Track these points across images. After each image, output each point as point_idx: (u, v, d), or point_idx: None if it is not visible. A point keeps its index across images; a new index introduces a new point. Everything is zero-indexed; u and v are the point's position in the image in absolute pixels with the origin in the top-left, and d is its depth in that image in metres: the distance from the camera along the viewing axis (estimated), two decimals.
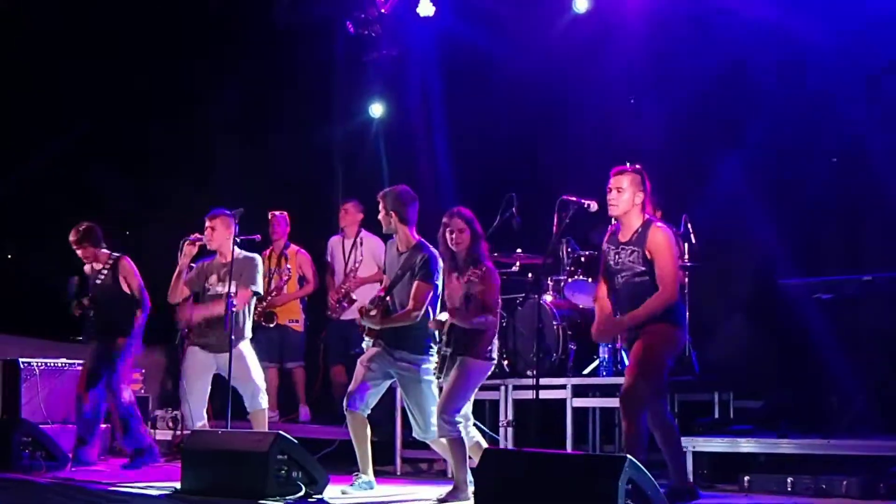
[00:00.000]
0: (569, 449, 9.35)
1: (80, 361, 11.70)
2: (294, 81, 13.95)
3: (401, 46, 13.75)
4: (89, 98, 14.01)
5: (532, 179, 11.46)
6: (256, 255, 9.74)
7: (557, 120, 12.25)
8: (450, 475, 8.39)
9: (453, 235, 8.02)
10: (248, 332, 9.64)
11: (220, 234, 9.59)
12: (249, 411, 9.51)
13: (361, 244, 11.87)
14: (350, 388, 8.38)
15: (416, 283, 8.17)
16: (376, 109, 14.18)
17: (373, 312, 8.25)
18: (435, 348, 8.14)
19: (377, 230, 11.83)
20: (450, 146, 12.98)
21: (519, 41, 12.42)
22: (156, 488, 8.29)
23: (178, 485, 8.16)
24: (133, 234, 14.63)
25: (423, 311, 8.15)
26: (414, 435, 8.46)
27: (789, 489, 8.08)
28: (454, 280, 8.06)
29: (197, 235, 9.60)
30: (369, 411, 8.39)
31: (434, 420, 8.07)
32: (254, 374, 9.51)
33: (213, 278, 9.66)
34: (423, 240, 8.40)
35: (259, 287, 9.69)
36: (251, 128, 14.07)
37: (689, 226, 10.13)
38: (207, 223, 9.62)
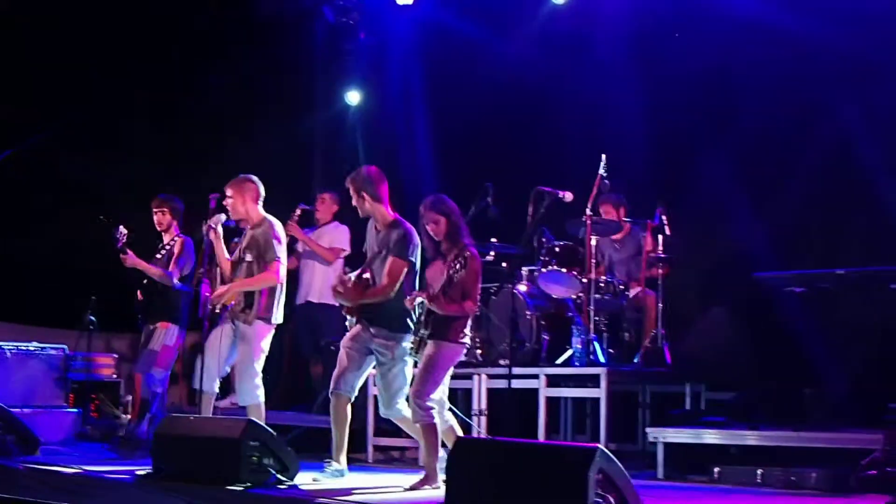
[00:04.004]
0: (541, 438, 9.37)
1: (53, 345, 11.71)
2: (273, 70, 13.92)
3: (379, 35, 13.76)
4: (71, 88, 13.94)
5: (508, 169, 11.47)
6: (274, 220, 9.24)
7: (536, 110, 12.26)
8: (421, 463, 8.39)
9: (429, 227, 8.05)
10: (276, 316, 9.13)
11: (237, 204, 9.18)
12: (242, 404, 9.11)
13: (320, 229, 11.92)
14: (335, 372, 8.36)
15: (390, 259, 8.17)
16: (353, 97, 14.16)
17: (340, 289, 8.29)
18: (413, 328, 8.13)
19: (351, 221, 11.88)
20: (427, 135, 12.99)
21: (499, 30, 12.43)
22: (128, 473, 8.27)
23: (149, 469, 8.14)
24: (110, 220, 14.60)
25: (396, 287, 8.13)
26: (380, 412, 8.47)
27: (759, 481, 8.12)
28: (439, 265, 8.07)
29: (212, 223, 9.23)
30: (356, 394, 8.40)
31: (399, 400, 8.16)
32: (255, 364, 9.04)
33: (239, 248, 9.25)
34: (399, 216, 8.39)
35: (278, 253, 9.07)
36: (230, 115, 14.02)
37: (664, 218, 10.17)
38: (227, 192, 9.23)
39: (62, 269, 13.58)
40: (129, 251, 10.23)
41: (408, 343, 8.18)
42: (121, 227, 10.31)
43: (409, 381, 8.19)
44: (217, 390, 9.21)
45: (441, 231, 8.02)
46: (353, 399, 8.40)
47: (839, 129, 10.31)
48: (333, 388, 8.32)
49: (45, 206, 14.02)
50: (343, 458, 8.40)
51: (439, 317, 7.89)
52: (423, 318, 7.96)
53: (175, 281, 10.26)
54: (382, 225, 8.39)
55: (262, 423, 8.43)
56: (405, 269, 8.17)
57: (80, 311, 11.58)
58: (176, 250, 10.32)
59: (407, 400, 8.17)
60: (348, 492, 7.64)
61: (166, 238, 10.43)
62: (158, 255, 10.40)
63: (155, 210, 10.43)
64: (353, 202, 8.43)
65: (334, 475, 8.28)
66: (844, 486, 7.67)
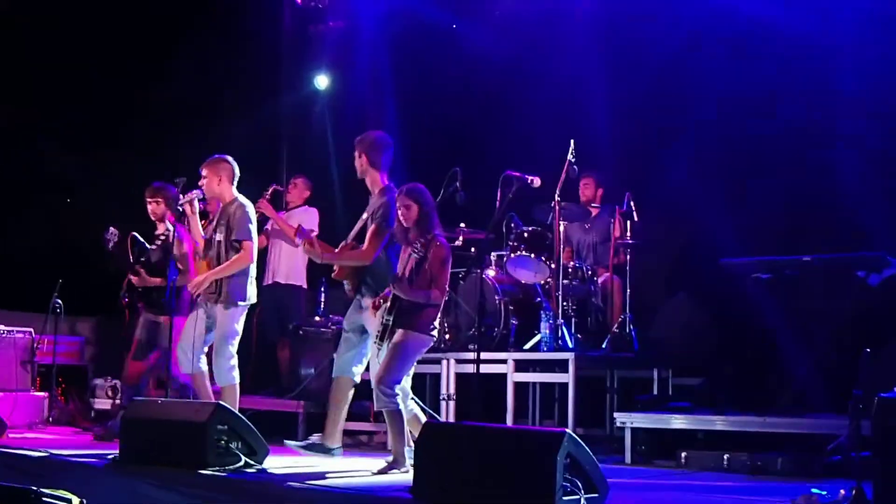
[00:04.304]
0: (509, 423, 9.39)
1: (20, 329, 11.65)
2: (240, 53, 13.86)
3: (348, 18, 13.72)
4: (38, 70, 13.86)
5: (477, 154, 11.47)
6: (245, 201, 9.25)
7: (505, 95, 12.27)
8: (388, 447, 8.42)
9: (400, 211, 8.06)
10: (249, 296, 9.15)
11: (212, 182, 9.16)
12: (219, 385, 9.08)
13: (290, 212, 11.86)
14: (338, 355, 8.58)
15: (372, 226, 8.33)
16: (321, 81, 14.12)
17: (307, 246, 8.45)
18: (379, 314, 8.15)
19: (322, 207, 11.87)
20: (396, 120, 12.96)
21: (469, 15, 12.43)
22: (95, 456, 8.26)
23: (117, 453, 8.12)
24: (75, 203, 14.55)
25: (374, 253, 8.29)
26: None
27: (725, 466, 8.17)
28: (406, 252, 8.10)
29: (189, 196, 9.18)
30: (356, 375, 8.52)
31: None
32: (229, 345, 9.05)
33: (211, 227, 9.27)
34: (390, 185, 8.53)
35: (249, 234, 9.10)
36: (196, 100, 13.96)
37: (633, 204, 10.21)
38: (202, 171, 9.20)
39: (28, 253, 13.54)
40: (141, 271, 10.10)
41: None
42: (111, 229, 10.23)
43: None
44: (204, 368, 9.16)
45: (412, 217, 8.01)
46: (354, 380, 8.51)
47: (805, 118, 10.36)
48: (336, 372, 8.50)
49: (13, 191, 13.95)
50: (334, 438, 8.49)
51: (406, 304, 7.90)
52: (389, 304, 7.97)
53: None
54: (373, 191, 8.58)
55: (235, 406, 8.51)
56: (386, 236, 8.30)
57: (46, 295, 11.51)
58: (175, 240, 9.85)
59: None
60: (316, 475, 7.65)
61: (161, 228, 10.28)
62: (153, 247, 10.30)
63: (149, 199, 10.20)
64: (356, 163, 8.62)
65: (315, 449, 8.39)
66: (809, 471, 7.74)
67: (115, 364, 11.42)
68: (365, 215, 8.54)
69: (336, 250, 8.51)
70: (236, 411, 8.34)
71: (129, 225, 10.52)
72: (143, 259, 10.23)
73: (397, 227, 8.16)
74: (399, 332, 7.90)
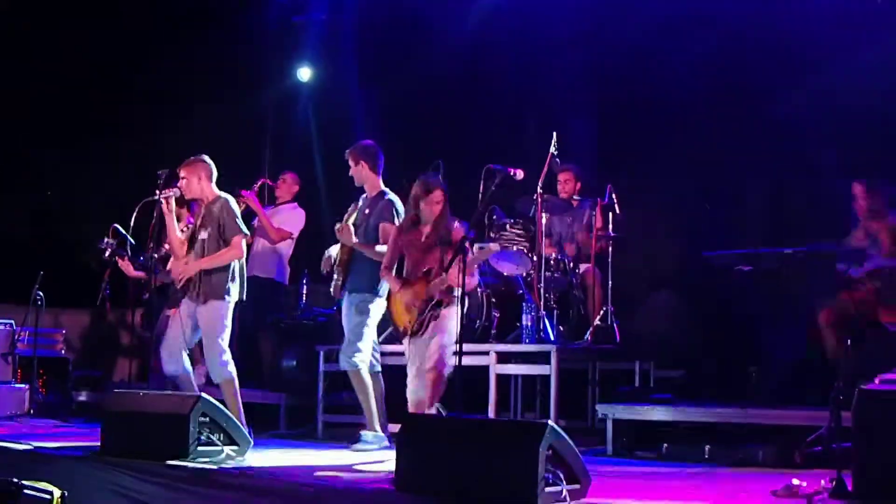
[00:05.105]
0: (491, 415, 9.40)
1: (0, 320, 11.63)
2: (222, 45, 13.83)
3: (331, 10, 13.71)
4: (21, 63, 13.80)
5: (459, 147, 11.48)
6: (229, 196, 9.29)
7: (488, 87, 12.27)
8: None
9: (431, 207, 8.48)
10: (233, 292, 9.15)
11: (192, 183, 9.20)
12: (216, 381, 9.11)
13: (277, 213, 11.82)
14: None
15: (382, 226, 8.95)
16: (304, 74, 14.11)
17: (338, 226, 9.01)
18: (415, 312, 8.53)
19: (309, 205, 11.86)
20: (379, 112, 12.97)
21: (452, 7, 12.41)
22: (76, 449, 8.23)
23: (98, 445, 8.11)
24: (56, 194, 14.49)
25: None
26: None
27: (707, 457, 8.19)
28: (419, 232, 8.54)
29: (168, 192, 9.21)
30: (363, 364, 8.99)
31: (348, 349, 8.87)
32: (219, 340, 9.05)
33: (198, 223, 9.30)
34: (385, 188, 9.20)
35: (241, 228, 9.16)
36: (180, 91, 13.93)
37: (614, 196, 10.22)
38: (180, 173, 9.24)
39: (9, 244, 13.49)
40: (157, 269, 9.98)
41: (374, 304, 9.02)
42: (106, 239, 10.27)
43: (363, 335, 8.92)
44: (189, 368, 9.19)
45: (439, 211, 8.48)
46: (375, 370, 9.14)
47: (788, 111, 10.38)
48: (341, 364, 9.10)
49: None
50: (377, 425, 8.95)
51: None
52: (423, 302, 8.39)
53: None
54: (370, 193, 9.20)
55: (237, 399, 8.82)
56: (393, 232, 8.81)
57: (27, 287, 11.48)
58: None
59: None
60: (298, 468, 7.65)
61: (180, 225, 10.28)
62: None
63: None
64: (351, 171, 9.20)
65: (369, 444, 8.79)
66: (790, 463, 7.76)
67: (96, 356, 11.40)
68: (367, 212, 9.11)
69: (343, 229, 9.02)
70: (239, 404, 8.48)
71: (111, 216, 10.50)
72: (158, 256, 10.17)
73: (406, 223, 8.66)
74: (443, 313, 8.43)
